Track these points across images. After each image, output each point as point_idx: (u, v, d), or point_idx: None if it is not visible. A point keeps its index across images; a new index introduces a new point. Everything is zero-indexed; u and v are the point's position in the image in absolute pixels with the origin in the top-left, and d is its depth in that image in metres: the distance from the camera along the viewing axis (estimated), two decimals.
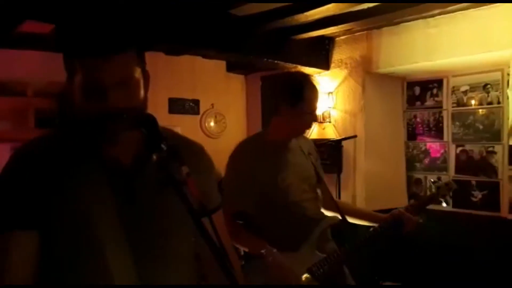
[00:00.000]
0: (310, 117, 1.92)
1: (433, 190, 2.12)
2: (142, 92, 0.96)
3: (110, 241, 0.93)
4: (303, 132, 2.01)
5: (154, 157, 0.85)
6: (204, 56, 4.10)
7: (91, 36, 0.91)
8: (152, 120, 0.90)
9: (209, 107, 4.56)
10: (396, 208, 2.01)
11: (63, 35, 0.96)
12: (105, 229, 0.93)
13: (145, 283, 0.95)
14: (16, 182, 0.94)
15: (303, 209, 1.91)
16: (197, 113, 4.51)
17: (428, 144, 3.92)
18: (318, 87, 1.95)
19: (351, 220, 2.06)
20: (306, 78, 1.93)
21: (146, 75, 0.99)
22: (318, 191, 2.06)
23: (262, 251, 1.76)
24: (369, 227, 2.02)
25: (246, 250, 1.88)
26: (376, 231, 1.97)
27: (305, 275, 1.81)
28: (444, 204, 2.09)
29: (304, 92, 1.87)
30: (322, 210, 2.05)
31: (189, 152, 0.90)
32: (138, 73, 0.95)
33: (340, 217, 1.99)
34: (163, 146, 0.85)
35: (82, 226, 0.93)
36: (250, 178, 1.86)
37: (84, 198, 0.93)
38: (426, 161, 3.93)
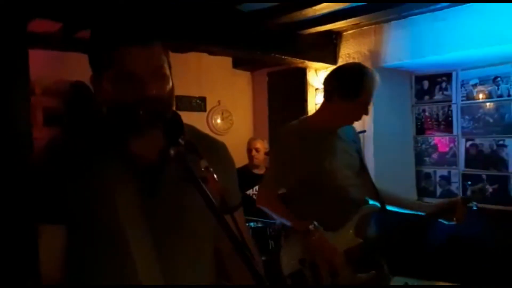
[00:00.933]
0: (364, 111, 1.93)
1: (468, 193, 2.12)
2: (171, 83, 0.99)
3: (134, 234, 0.94)
4: (352, 123, 2.01)
5: (172, 151, 0.85)
6: (211, 53, 4.08)
7: (127, 28, 0.94)
8: (175, 115, 0.90)
9: (216, 104, 4.56)
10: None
11: (97, 29, 0.97)
12: (129, 223, 0.94)
13: (167, 276, 0.95)
14: (44, 180, 0.95)
15: (347, 194, 1.94)
16: (204, 110, 4.50)
17: (437, 139, 3.90)
18: (378, 79, 1.93)
19: (395, 208, 2.08)
20: (368, 72, 1.92)
21: (170, 67, 1.00)
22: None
23: (310, 226, 1.83)
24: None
25: (291, 225, 1.94)
26: (422, 218, 1.99)
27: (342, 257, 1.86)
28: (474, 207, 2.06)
29: (364, 87, 1.87)
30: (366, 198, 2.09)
31: (210, 149, 0.91)
32: (166, 63, 0.98)
33: (380, 206, 2.02)
34: (180, 140, 0.85)
35: (107, 220, 0.94)
36: (294, 161, 1.89)
37: (109, 193, 0.94)
38: (435, 155, 3.91)
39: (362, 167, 2.06)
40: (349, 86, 1.88)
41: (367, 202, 2.02)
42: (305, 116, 2.09)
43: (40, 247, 0.93)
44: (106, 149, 0.98)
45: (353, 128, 2.15)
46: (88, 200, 0.94)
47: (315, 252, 1.83)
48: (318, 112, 2.03)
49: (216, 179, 0.85)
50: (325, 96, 1.97)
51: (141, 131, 0.95)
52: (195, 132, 1.10)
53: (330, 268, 1.84)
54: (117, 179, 0.96)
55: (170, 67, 1.00)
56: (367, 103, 1.91)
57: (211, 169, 0.85)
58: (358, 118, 1.97)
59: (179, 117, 0.91)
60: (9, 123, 0.72)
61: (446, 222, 2.00)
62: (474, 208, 2.00)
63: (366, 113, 1.95)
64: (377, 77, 1.93)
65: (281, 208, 1.95)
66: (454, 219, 1.96)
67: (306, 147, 1.91)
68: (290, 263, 1.91)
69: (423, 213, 2.02)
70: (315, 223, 1.84)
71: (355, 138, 2.09)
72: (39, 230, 0.94)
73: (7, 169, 0.72)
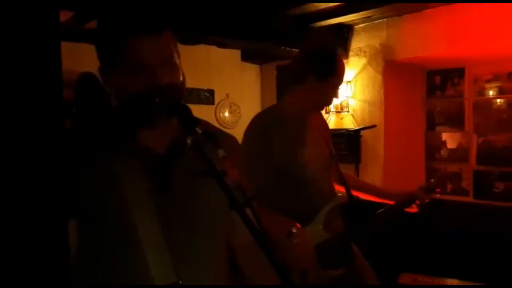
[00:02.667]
0: (334, 93, 1.90)
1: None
2: (181, 73, 0.97)
3: (145, 227, 0.92)
4: (323, 107, 1.99)
5: (189, 140, 0.83)
6: (220, 45, 4.05)
7: (136, 17, 0.93)
8: (185, 106, 0.89)
9: (224, 97, 4.53)
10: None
11: (107, 19, 0.95)
12: (141, 216, 0.92)
13: (180, 270, 0.94)
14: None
15: (319, 186, 1.90)
16: (212, 103, 4.48)
17: (448, 134, 3.85)
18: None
19: (360, 195, 2.11)
20: (338, 52, 1.90)
21: (179, 58, 0.98)
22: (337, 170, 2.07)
23: (293, 230, 1.74)
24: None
25: (269, 228, 1.87)
26: (388, 209, 2.00)
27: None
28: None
29: (336, 67, 1.84)
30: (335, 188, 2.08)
31: (223, 142, 0.88)
32: (176, 52, 0.97)
33: (348, 197, 2.01)
34: (197, 129, 0.84)
35: (118, 214, 0.92)
36: (267, 152, 1.82)
37: (120, 186, 0.92)
38: (446, 151, 3.86)
39: (331, 158, 2.01)
40: (324, 65, 1.83)
41: (335, 194, 1.99)
42: (277, 103, 2.06)
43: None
44: (117, 141, 0.97)
45: (322, 117, 2.12)
46: (99, 194, 0.93)
47: (297, 257, 1.75)
48: (289, 95, 1.92)
49: (234, 169, 0.83)
50: (296, 78, 1.88)
51: (155, 121, 0.94)
52: (207, 125, 1.08)
53: (301, 268, 1.77)
54: (128, 172, 0.94)
55: (179, 57, 0.99)
56: (338, 84, 1.87)
57: (228, 159, 0.83)
58: (330, 101, 1.92)
59: (189, 108, 0.90)
60: (43, 119, 0.70)
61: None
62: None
63: (336, 95, 1.95)
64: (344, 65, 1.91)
65: (261, 208, 1.93)
66: (415, 206, 2.02)
67: (278, 137, 1.83)
68: None
69: (391, 201, 2.04)
70: (297, 225, 1.76)
71: (324, 128, 2.05)
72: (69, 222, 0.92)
73: (42, 165, 0.70)
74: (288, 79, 1.98)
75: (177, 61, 0.96)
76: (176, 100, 0.92)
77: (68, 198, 0.91)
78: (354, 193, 2.12)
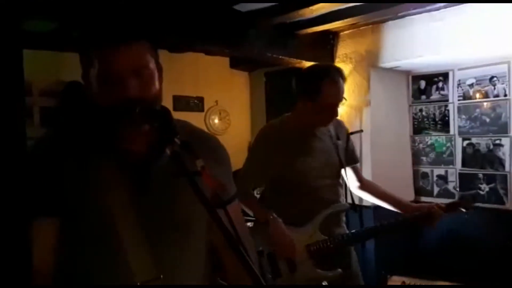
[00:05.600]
0: (330, 113, 1.92)
1: (456, 199, 2.15)
2: (157, 84, 0.98)
3: (126, 230, 0.94)
4: (323, 125, 1.99)
5: (168, 150, 0.85)
6: (208, 53, 4.08)
7: (107, 26, 0.94)
8: (166, 113, 0.91)
9: (213, 104, 4.56)
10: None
11: (79, 28, 0.98)
12: (121, 219, 0.94)
13: (161, 271, 0.96)
14: (37, 173, 0.95)
15: (319, 194, 1.98)
16: (202, 110, 4.50)
17: (434, 138, 3.91)
18: (341, 80, 1.93)
19: (381, 204, 2.14)
20: (328, 73, 1.92)
21: (159, 68, 1.00)
22: (355, 175, 2.14)
23: (270, 217, 1.86)
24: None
25: (253, 214, 1.98)
26: (400, 222, 2.02)
27: (301, 250, 1.90)
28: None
29: (320, 89, 1.87)
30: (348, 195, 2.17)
31: (204, 144, 0.91)
32: (152, 64, 0.97)
33: (348, 204, 2.08)
34: (176, 140, 0.86)
35: (98, 215, 0.94)
36: (269, 159, 1.94)
37: (101, 188, 0.94)
38: (432, 155, 3.92)
39: (342, 165, 2.07)
40: (306, 88, 1.89)
41: (337, 202, 2.04)
42: (285, 114, 2.11)
43: (35, 240, 0.92)
44: (98, 145, 0.98)
45: (341, 124, 2.15)
46: (80, 195, 0.94)
47: (272, 241, 1.86)
48: (294, 111, 2.04)
49: (211, 175, 0.85)
50: (296, 96, 2.02)
51: (128, 130, 0.95)
52: (188, 127, 1.10)
53: (287, 259, 1.86)
54: (109, 175, 0.96)
55: (159, 69, 0.98)
56: (331, 104, 1.88)
57: (206, 167, 0.85)
58: (326, 120, 1.95)
59: (170, 114, 0.92)
60: (4, 124, 0.71)
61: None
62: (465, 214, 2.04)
63: (335, 114, 1.94)
64: (340, 78, 1.91)
65: (252, 201, 2.00)
66: (429, 225, 2.02)
67: (281, 146, 1.95)
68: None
69: (404, 215, 2.06)
70: (274, 215, 1.86)
71: (340, 135, 2.08)
72: (32, 224, 0.93)
73: (2, 167, 0.72)
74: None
75: (153, 73, 0.96)
76: (156, 110, 0.93)
77: (49, 197, 0.93)
78: (372, 200, 2.15)
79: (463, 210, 2.08)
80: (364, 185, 2.17)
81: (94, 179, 0.95)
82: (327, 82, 1.89)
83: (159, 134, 0.89)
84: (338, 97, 1.91)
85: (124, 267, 0.93)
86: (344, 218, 2.07)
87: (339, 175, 2.08)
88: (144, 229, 0.95)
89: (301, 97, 1.95)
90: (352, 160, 2.14)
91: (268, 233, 1.87)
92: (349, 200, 2.21)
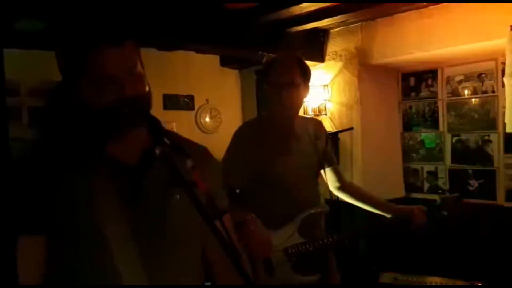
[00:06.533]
0: (280, 90, 1.88)
1: (438, 202, 2.09)
2: (147, 83, 0.97)
3: (116, 240, 0.92)
4: (285, 107, 1.94)
5: (157, 151, 0.84)
6: (198, 51, 4.07)
7: (97, 29, 0.92)
8: (153, 117, 0.90)
9: (204, 103, 4.54)
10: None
11: (69, 29, 0.95)
12: (110, 229, 0.92)
13: (153, 281, 0.94)
14: (22, 188, 0.93)
15: (296, 194, 1.94)
16: (192, 108, 4.49)
17: (424, 135, 3.94)
18: (288, 61, 1.94)
19: (361, 205, 2.11)
20: (278, 56, 1.99)
21: (143, 68, 0.99)
22: (335, 176, 2.11)
23: (247, 217, 1.80)
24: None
25: (232, 215, 1.92)
26: (379, 226, 1.99)
27: (279, 253, 1.86)
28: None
29: (270, 68, 1.93)
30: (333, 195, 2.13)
31: (193, 153, 0.89)
32: (140, 64, 0.97)
33: (328, 206, 2.05)
34: (166, 140, 0.85)
35: (88, 227, 0.92)
36: (246, 158, 1.91)
37: (91, 199, 0.92)
38: (422, 151, 3.95)
39: (320, 166, 2.05)
40: (262, 70, 2.02)
41: (318, 202, 2.02)
42: (262, 113, 2.11)
43: (18, 259, 0.90)
44: (86, 154, 0.96)
45: (319, 125, 2.15)
46: (69, 207, 0.92)
47: (249, 241, 1.80)
48: (268, 107, 2.04)
49: (204, 180, 0.84)
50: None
51: (124, 132, 0.94)
52: (177, 136, 1.09)
53: (264, 261, 1.83)
54: (98, 184, 0.93)
55: (143, 67, 0.98)
56: (278, 80, 1.90)
57: (197, 170, 0.84)
58: (279, 102, 1.91)
59: (157, 119, 0.91)
60: None
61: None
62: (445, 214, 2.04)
63: (281, 95, 1.90)
64: (286, 66, 1.92)
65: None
66: (411, 229, 1.98)
67: (258, 145, 1.93)
68: None
69: (385, 219, 2.04)
70: (253, 214, 1.82)
71: (319, 136, 2.06)
72: (18, 241, 0.91)
73: None
74: None
75: (142, 72, 0.96)
76: (144, 110, 0.92)
77: (37, 213, 0.90)
78: (352, 201, 2.14)
79: (444, 213, 2.06)
80: (345, 186, 2.12)
81: (84, 191, 0.93)
82: (275, 61, 1.96)
83: (149, 136, 0.88)
84: (284, 75, 1.90)
85: (115, 278, 0.91)
86: (323, 221, 2.05)
87: (316, 175, 2.06)
88: (135, 239, 0.93)
89: (263, 84, 2.01)
90: (330, 161, 2.11)
91: (245, 234, 1.81)
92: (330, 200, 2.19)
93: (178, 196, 0.83)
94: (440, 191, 2.28)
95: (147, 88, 0.97)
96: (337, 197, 2.23)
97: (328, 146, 2.11)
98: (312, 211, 1.95)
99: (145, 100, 0.95)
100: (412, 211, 2.00)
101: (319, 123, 2.17)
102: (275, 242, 1.86)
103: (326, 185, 2.15)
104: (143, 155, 0.98)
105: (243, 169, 1.91)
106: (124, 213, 0.94)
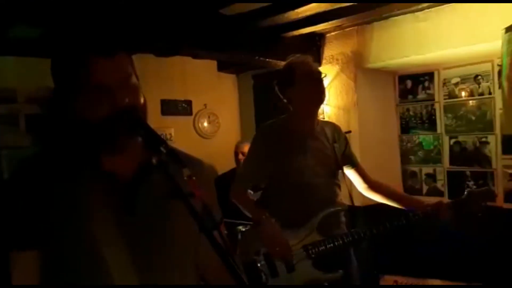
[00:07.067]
0: (318, 83, 2.00)
1: (464, 196, 2.04)
2: (142, 95, 0.97)
3: (111, 254, 0.92)
4: (321, 100, 2.05)
5: (154, 160, 0.84)
6: (195, 57, 4.07)
7: (95, 38, 0.92)
8: (149, 126, 0.90)
9: (202, 108, 4.55)
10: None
11: (63, 39, 0.95)
12: (107, 242, 0.92)
13: None
14: (15, 203, 0.92)
15: (315, 192, 1.98)
16: (190, 114, 4.49)
17: (421, 137, 3.94)
18: (311, 66, 2.03)
19: (392, 204, 2.13)
20: (298, 62, 2.04)
21: (138, 79, 0.99)
22: (361, 177, 2.15)
23: (263, 217, 1.88)
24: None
25: (248, 214, 2.00)
26: (404, 220, 1.99)
27: (299, 251, 1.89)
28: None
29: (294, 68, 2.00)
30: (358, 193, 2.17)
31: (189, 165, 0.89)
32: (134, 76, 0.97)
33: (347, 205, 2.08)
34: (162, 149, 0.84)
35: (82, 241, 0.91)
36: (266, 158, 1.98)
37: (84, 213, 0.92)
38: (421, 154, 3.95)
39: (338, 167, 2.09)
40: (281, 78, 2.05)
41: (336, 201, 2.05)
42: (283, 116, 2.15)
43: (12, 274, 0.89)
44: (81, 166, 0.95)
45: (337, 128, 2.18)
46: (64, 221, 0.91)
47: (265, 241, 1.87)
48: (289, 112, 2.10)
49: (200, 190, 0.83)
50: (285, 99, 2.08)
51: (120, 143, 0.93)
52: (172, 148, 1.09)
53: (283, 259, 1.87)
54: (93, 198, 0.93)
55: (138, 79, 0.98)
56: (313, 78, 1.99)
57: (194, 178, 0.84)
58: (318, 93, 2.00)
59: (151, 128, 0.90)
60: None
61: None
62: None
63: (319, 88, 2.02)
64: (310, 64, 2.03)
65: (247, 201, 2.02)
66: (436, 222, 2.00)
67: (278, 144, 1.99)
68: (245, 254, 1.96)
69: (412, 211, 2.03)
70: (268, 215, 1.89)
71: (337, 139, 2.11)
72: (12, 256, 0.90)
73: None
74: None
75: (137, 83, 0.96)
76: (140, 119, 0.92)
77: (31, 229, 0.90)
78: (382, 200, 2.16)
79: (471, 212, 1.99)
80: (373, 186, 2.17)
81: (79, 205, 0.92)
82: (295, 66, 2.03)
83: (145, 147, 0.87)
84: (316, 73, 2.03)
85: None
86: (344, 219, 2.07)
87: (335, 174, 2.09)
88: (131, 252, 0.93)
89: (279, 89, 2.09)
90: (353, 163, 2.15)
91: (260, 232, 1.88)
92: (349, 202, 2.19)
93: (174, 207, 0.82)
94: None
95: (142, 100, 0.96)
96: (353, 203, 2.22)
97: (348, 148, 2.15)
98: (331, 210, 1.98)
99: (139, 111, 0.94)
100: (438, 205, 1.99)
101: (337, 126, 2.22)
102: (295, 240, 1.90)
103: (345, 189, 2.15)
104: (139, 168, 0.97)
105: (264, 168, 1.99)
106: (119, 226, 0.93)
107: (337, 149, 2.08)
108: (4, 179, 0.97)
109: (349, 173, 2.16)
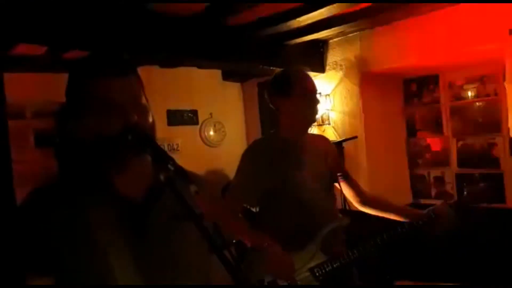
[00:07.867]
0: (312, 97, 1.94)
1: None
2: (151, 114, 0.99)
3: (124, 277, 0.92)
4: (315, 114, 1.98)
5: (162, 177, 0.85)
6: (199, 67, 4.10)
7: (105, 59, 0.96)
8: (157, 144, 0.91)
9: (208, 117, 4.57)
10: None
11: (78, 59, 0.98)
12: (119, 266, 0.92)
13: None
14: (27, 232, 0.94)
15: (312, 208, 1.91)
16: (196, 123, 4.51)
17: (428, 140, 3.93)
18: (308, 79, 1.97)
19: (383, 215, 2.05)
20: (297, 74, 1.97)
21: (147, 101, 1.01)
22: (354, 191, 2.08)
23: (265, 244, 1.76)
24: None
25: (247, 242, 1.85)
26: (398, 231, 1.91)
27: (305, 274, 1.81)
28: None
29: (289, 80, 1.93)
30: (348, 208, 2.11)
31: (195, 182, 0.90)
32: (144, 98, 0.99)
33: (347, 218, 1.98)
34: (170, 166, 0.85)
35: (95, 265, 0.92)
36: (258, 174, 1.88)
37: (96, 239, 0.93)
38: (428, 157, 3.93)
39: (333, 179, 2.03)
40: (277, 85, 1.96)
41: (336, 215, 1.98)
42: (274, 130, 2.10)
43: None
44: (92, 191, 0.96)
45: (327, 141, 2.16)
46: (75, 247, 0.92)
47: (272, 269, 1.77)
48: (279, 124, 2.02)
49: (207, 205, 0.84)
50: (275, 109, 2.00)
51: (128, 161, 0.95)
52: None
53: (289, 283, 1.77)
54: (104, 221, 0.94)
55: (147, 100, 1.00)
56: (307, 92, 1.92)
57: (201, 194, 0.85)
58: (311, 107, 1.95)
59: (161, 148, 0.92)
60: None
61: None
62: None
63: (313, 103, 1.94)
64: (310, 79, 1.97)
65: (240, 223, 1.89)
66: (439, 230, 1.91)
67: (270, 160, 1.90)
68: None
69: (408, 222, 1.96)
70: (270, 240, 1.76)
71: (328, 151, 2.06)
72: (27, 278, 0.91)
73: None
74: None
75: (146, 104, 0.98)
76: (148, 136, 0.93)
77: (44, 256, 0.91)
78: (378, 213, 2.07)
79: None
80: (367, 200, 2.08)
81: (93, 232, 0.93)
82: (293, 76, 1.96)
83: (154, 166, 0.88)
84: (311, 86, 1.96)
85: None
86: (343, 234, 2.01)
87: (330, 188, 2.05)
88: (144, 276, 0.93)
89: (273, 97, 2.00)
90: (345, 175, 2.09)
91: (266, 261, 1.76)
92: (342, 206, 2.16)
93: (186, 228, 0.83)
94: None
95: (151, 119, 0.98)
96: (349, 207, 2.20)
97: (339, 161, 2.11)
98: (332, 227, 1.90)
99: (149, 130, 0.96)
100: (436, 209, 1.92)
101: (327, 139, 2.19)
102: (300, 264, 1.82)
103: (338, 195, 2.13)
104: (150, 190, 0.98)
105: (256, 184, 1.89)
106: (130, 248, 0.94)
107: (328, 162, 2.04)
108: (17, 206, 0.99)
109: (341, 185, 2.08)
